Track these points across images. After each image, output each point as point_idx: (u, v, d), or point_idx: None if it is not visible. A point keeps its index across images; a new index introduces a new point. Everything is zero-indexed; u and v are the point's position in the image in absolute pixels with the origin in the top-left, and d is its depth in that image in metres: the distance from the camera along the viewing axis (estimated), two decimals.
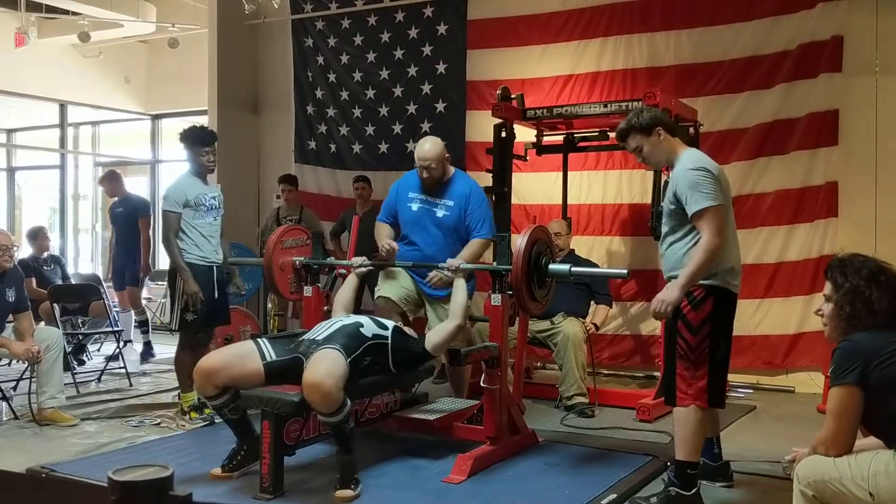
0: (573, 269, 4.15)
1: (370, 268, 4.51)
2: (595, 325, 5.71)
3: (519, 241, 3.97)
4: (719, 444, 3.75)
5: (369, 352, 3.76)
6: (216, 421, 4.55)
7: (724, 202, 3.33)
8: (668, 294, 3.30)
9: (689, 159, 3.42)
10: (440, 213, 4.54)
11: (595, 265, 5.91)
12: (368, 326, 3.86)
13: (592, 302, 5.76)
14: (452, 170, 4.66)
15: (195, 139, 4.99)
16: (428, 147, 4.47)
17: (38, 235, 7.32)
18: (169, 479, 1.14)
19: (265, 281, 4.70)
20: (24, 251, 7.38)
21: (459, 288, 4.14)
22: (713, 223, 3.28)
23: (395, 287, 4.58)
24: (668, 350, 3.50)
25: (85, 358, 7.06)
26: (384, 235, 4.62)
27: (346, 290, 4.46)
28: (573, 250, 5.87)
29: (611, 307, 5.93)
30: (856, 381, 2.45)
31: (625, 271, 4.29)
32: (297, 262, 4.69)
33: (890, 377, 2.44)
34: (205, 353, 4.77)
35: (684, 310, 3.36)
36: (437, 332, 4.07)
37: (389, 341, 3.87)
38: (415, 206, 4.59)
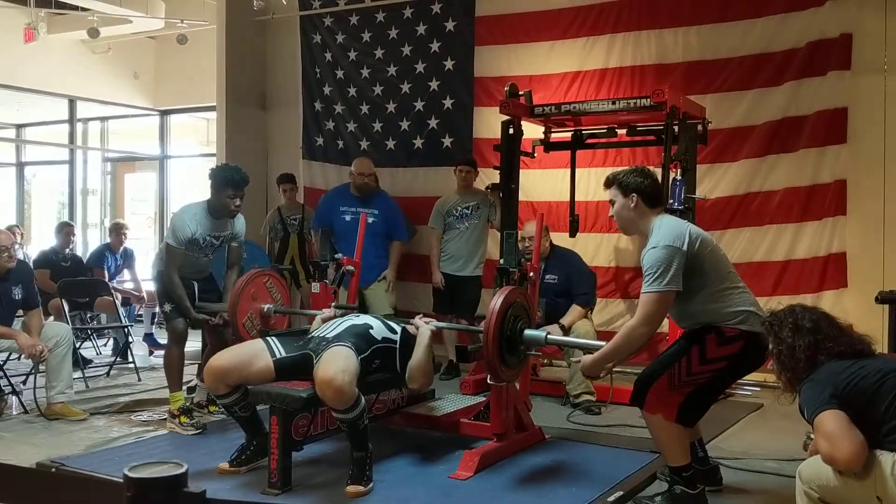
0: (549, 337, 3.69)
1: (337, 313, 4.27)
2: (562, 325, 5.13)
3: (492, 303, 3.60)
4: (703, 446, 3.67)
5: (378, 354, 3.79)
6: (206, 430, 4.57)
7: (671, 288, 3.14)
8: (589, 366, 3.34)
9: (659, 236, 3.23)
10: (370, 219, 5.50)
11: (578, 256, 5.73)
12: (378, 329, 3.88)
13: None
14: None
15: (224, 179, 4.60)
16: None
17: (62, 229, 7.57)
18: (183, 476, 1.16)
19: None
20: (50, 242, 7.67)
21: (419, 345, 3.88)
22: (648, 309, 3.17)
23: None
24: (666, 355, 3.42)
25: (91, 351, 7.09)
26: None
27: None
28: (554, 246, 5.69)
29: (588, 307, 5.44)
30: (833, 403, 2.48)
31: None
32: (265, 309, 4.55)
33: (857, 392, 2.49)
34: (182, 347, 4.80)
35: (707, 338, 3.24)
36: (408, 378, 3.89)
37: (398, 345, 3.89)
38: (348, 217, 6.07)
